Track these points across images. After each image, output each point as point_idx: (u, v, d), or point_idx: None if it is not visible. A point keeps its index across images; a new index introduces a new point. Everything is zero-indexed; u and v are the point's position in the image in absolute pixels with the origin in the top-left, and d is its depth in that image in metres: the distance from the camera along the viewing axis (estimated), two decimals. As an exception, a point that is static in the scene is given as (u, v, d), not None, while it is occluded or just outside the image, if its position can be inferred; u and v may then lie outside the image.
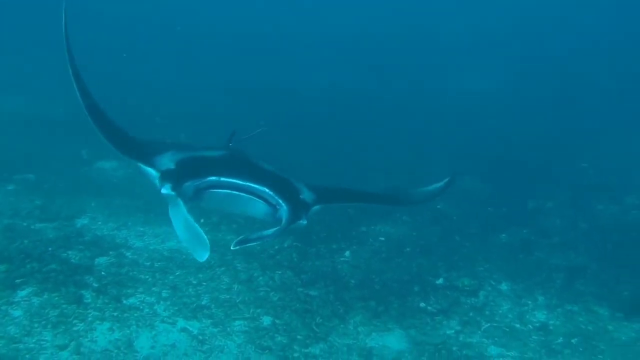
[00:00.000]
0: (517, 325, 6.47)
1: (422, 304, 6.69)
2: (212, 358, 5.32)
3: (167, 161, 4.18)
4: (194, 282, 6.45)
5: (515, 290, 7.23)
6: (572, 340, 6.13)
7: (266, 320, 5.97)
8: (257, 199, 4.03)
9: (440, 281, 7.26)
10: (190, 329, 5.64)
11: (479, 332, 6.32)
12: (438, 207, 10.27)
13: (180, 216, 3.64)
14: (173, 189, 3.80)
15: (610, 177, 11.10)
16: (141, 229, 7.71)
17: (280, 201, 3.98)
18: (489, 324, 6.50)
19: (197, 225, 3.65)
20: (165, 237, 7.47)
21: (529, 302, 6.96)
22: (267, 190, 3.98)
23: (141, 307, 5.84)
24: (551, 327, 6.40)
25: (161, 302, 5.97)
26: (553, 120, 15.00)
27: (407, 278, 7.22)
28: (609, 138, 13.53)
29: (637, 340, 6.12)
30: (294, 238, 7.92)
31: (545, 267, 7.82)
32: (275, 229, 3.84)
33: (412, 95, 18.29)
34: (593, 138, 13.51)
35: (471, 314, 6.70)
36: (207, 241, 3.59)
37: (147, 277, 6.41)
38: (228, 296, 6.29)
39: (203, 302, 6.09)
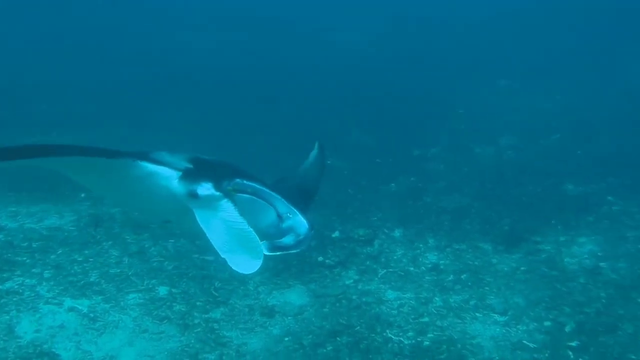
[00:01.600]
0: (411, 269, 6.69)
1: (320, 258, 6.72)
2: (106, 334, 5.04)
3: (178, 159, 3.33)
4: (80, 259, 6.06)
5: (408, 236, 7.46)
6: (462, 277, 6.41)
7: (162, 291, 5.74)
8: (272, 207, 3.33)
9: (336, 234, 7.33)
10: (80, 307, 5.30)
11: (376, 279, 6.46)
12: (328, 162, 10.34)
13: (226, 220, 3.02)
14: (216, 188, 3.11)
15: (484, 121, 11.68)
16: (13, 209, 7.09)
17: (294, 210, 3.28)
18: (385, 270, 6.67)
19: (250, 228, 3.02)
20: (42, 215, 6.94)
21: (421, 245, 7.21)
22: (281, 198, 3.29)
23: (20, 291, 5.41)
24: (442, 267, 6.67)
25: (44, 283, 5.56)
26: (428, 73, 15.48)
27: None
28: (479, 85, 14.19)
29: (517, 269, 6.52)
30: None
31: (433, 210, 8.12)
32: (298, 239, 3.17)
33: (295, 53, 18.13)
34: (466, 86, 14.11)
35: (368, 263, 6.83)
36: (262, 246, 3.00)
37: (24, 258, 5.93)
38: (119, 270, 5.97)
39: (91, 279, 5.74)
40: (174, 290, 5.77)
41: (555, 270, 6.39)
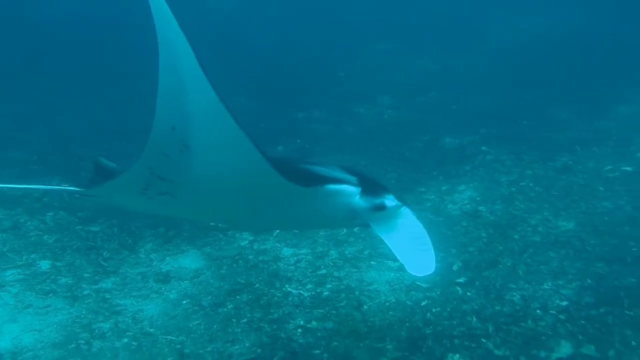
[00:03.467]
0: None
1: (212, 223, 6.57)
2: (-17, 315, 4.63)
3: (343, 173, 3.31)
4: (-57, 240, 5.50)
5: (299, 195, 7.49)
6: (355, 229, 6.56)
7: (44, 265, 5.36)
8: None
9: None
10: (-51, 290, 4.82)
11: (272, 238, 6.44)
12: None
13: (407, 226, 3.18)
14: (396, 198, 3.26)
15: (364, 82, 11.96)
16: None
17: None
18: (279, 230, 6.68)
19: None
20: None
21: (312, 203, 7.27)
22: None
23: None
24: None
25: None
26: (309, 37, 15.53)
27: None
28: (359, 48, 14.48)
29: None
30: (59, 179, 7.18)
31: (321, 170, 8.21)
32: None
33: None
34: (346, 50, 14.34)
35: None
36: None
37: None
38: (-9, 247, 5.48)
39: (-40, 260, 5.23)
40: (57, 263, 5.40)
41: (440, 216, 6.72)
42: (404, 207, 3.27)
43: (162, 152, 2.84)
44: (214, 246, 6.16)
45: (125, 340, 4.62)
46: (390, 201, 3.24)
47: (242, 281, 5.53)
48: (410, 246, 3.18)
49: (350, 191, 3.17)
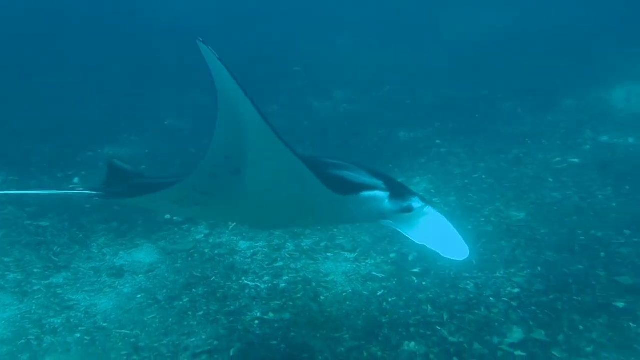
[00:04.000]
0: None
1: (167, 216, 6.48)
2: None
3: (368, 178, 3.47)
4: None
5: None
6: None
7: (-9, 261, 5.18)
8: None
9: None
10: None
11: (227, 232, 6.39)
12: (165, 123, 10.03)
13: (432, 222, 3.39)
14: (421, 199, 3.44)
15: (320, 77, 11.94)
16: None
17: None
18: (235, 223, 6.63)
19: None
20: None
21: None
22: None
23: None
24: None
25: None
26: (266, 30, 15.44)
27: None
28: (316, 42, 14.46)
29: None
30: (7, 172, 6.95)
31: (278, 163, 8.18)
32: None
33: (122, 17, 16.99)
34: (302, 44, 14.31)
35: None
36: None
37: None
38: None
39: None
40: (5, 259, 5.24)
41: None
42: (427, 207, 3.46)
43: (211, 174, 3.03)
44: (168, 240, 6.07)
45: (78, 335, 4.51)
46: (416, 203, 3.41)
47: (198, 274, 5.47)
48: (439, 238, 3.36)
49: (381, 196, 3.35)
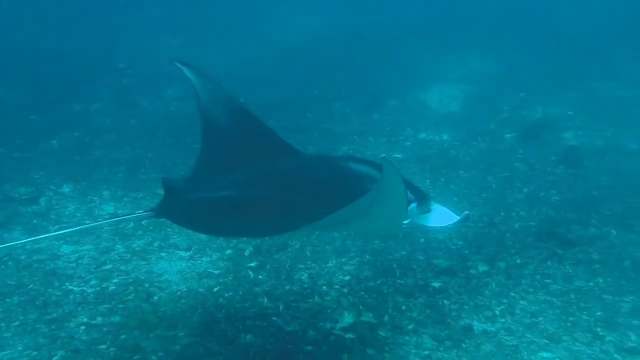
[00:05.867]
0: (88, 221, 6.31)
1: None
2: None
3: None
4: None
5: (79, 190, 6.98)
6: (142, 222, 6.23)
7: None
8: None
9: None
10: None
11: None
12: None
13: (440, 213, 3.77)
14: (434, 200, 3.88)
15: (148, 74, 11.44)
16: None
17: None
18: (57, 226, 6.17)
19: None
20: None
21: (95, 198, 6.82)
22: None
23: None
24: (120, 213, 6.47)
25: None
26: (87, 26, 14.47)
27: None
28: (142, 40, 13.84)
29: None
30: None
31: (105, 163, 7.73)
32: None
33: None
34: (127, 41, 13.63)
35: (35, 221, 6.25)
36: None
37: None
38: None
39: None
40: None
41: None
42: (436, 204, 3.87)
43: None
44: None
45: None
46: (433, 205, 3.85)
47: (13, 283, 5.02)
48: (442, 220, 3.77)
49: (412, 206, 3.77)
